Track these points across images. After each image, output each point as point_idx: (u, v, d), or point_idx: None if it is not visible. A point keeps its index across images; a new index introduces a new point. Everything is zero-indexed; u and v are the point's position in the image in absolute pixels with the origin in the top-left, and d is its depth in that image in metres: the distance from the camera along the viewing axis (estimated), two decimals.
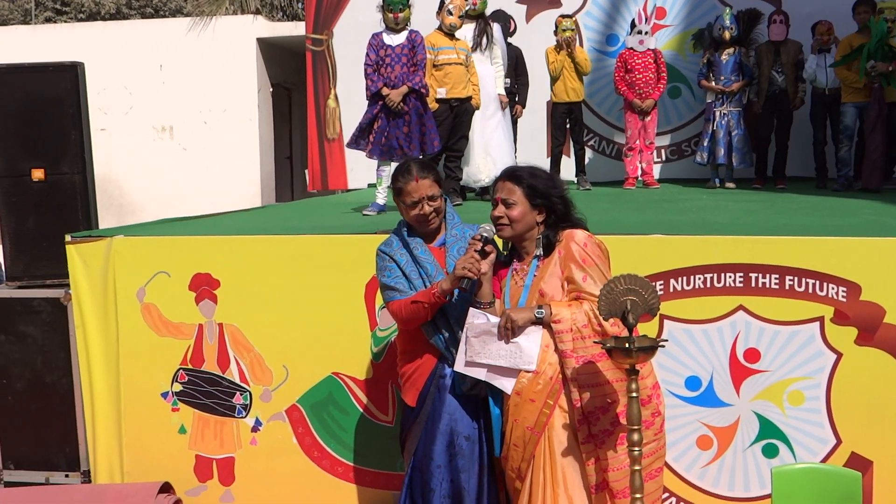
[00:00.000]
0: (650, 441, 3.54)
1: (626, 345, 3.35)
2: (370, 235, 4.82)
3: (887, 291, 4.42)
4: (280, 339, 4.95)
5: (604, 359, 3.51)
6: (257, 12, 14.47)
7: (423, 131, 6.45)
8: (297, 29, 13.31)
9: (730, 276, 4.52)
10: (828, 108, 8.62)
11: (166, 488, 4.86)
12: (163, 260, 5.06)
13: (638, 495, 3.39)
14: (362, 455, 4.92)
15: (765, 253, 4.50)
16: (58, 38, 13.97)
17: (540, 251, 3.67)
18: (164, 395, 5.09)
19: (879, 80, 7.91)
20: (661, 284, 4.50)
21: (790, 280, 4.48)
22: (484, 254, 3.62)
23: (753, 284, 4.50)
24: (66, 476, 5.41)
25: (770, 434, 4.56)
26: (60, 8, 21.18)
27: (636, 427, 3.38)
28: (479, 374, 3.64)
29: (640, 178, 8.99)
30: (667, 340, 3.84)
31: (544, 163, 8.60)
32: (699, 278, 4.55)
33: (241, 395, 5.01)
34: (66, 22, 18.35)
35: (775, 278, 4.49)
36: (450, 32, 7.08)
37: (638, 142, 8.83)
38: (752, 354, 4.54)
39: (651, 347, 3.40)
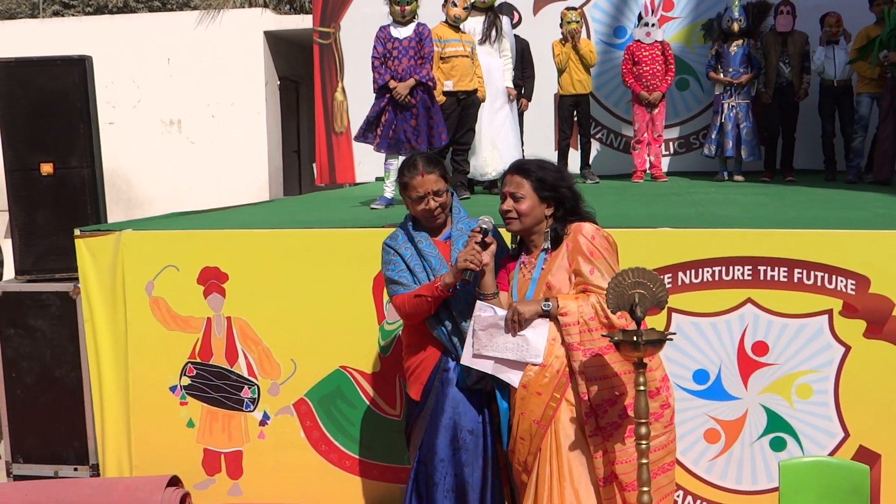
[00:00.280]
0: (660, 434, 3.54)
1: (634, 338, 3.35)
2: (378, 229, 4.81)
3: None
4: (288, 332, 4.96)
5: (611, 351, 3.50)
6: (265, 5, 14.45)
7: (430, 124, 6.43)
8: (304, 22, 13.29)
9: (738, 269, 4.51)
10: (836, 100, 8.60)
11: (174, 482, 4.87)
12: (171, 254, 5.07)
13: (645, 489, 3.38)
14: (370, 449, 4.93)
15: (773, 246, 4.49)
16: (65, 32, 13.97)
17: (548, 244, 3.66)
18: (173, 388, 5.10)
19: (892, 71, 7.88)
20: (669, 277, 4.50)
21: (799, 273, 4.46)
22: (484, 245, 3.62)
23: (762, 277, 4.49)
24: (75, 469, 5.44)
25: (778, 427, 4.55)
26: (68, 1, 21.19)
27: (644, 420, 3.38)
28: (486, 367, 3.64)
29: (648, 171, 8.97)
30: (675, 333, 3.84)
31: (551, 156, 8.60)
32: (707, 271, 4.55)
33: (250, 388, 5.02)
34: (73, 15, 18.37)
35: (784, 271, 4.48)
36: (455, 24, 7.07)
37: (646, 134, 8.81)
38: (761, 347, 4.53)
39: (659, 341, 3.40)
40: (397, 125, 6.39)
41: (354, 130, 7.18)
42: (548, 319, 3.57)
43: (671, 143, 9.99)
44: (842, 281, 4.43)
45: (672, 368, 4.36)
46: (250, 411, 5.03)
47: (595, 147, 9.61)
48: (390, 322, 4.81)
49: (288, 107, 14.89)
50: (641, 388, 3.38)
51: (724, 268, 4.52)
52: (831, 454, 4.48)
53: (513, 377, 3.61)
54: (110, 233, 5.17)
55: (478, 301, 3.66)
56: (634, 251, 4.19)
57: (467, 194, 7.19)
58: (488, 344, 3.61)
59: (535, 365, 3.56)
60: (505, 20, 7.76)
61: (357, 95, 10.09)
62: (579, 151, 8.92)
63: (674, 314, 4.54)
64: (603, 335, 3.49)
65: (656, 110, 8.75)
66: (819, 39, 8.66)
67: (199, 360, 5.06)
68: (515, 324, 3.56)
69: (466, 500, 3.77)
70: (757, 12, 8.94)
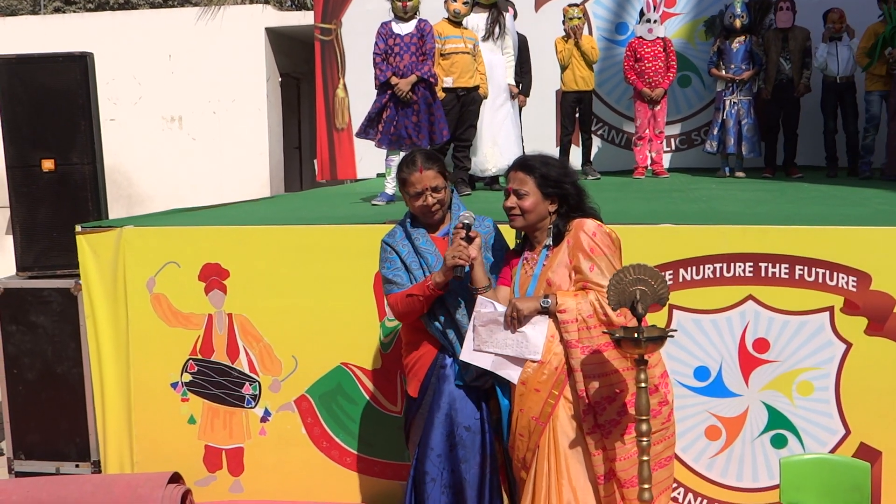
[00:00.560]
0: (657, 430, 3.53)
1: (636, 335, 3.34)
2: (379, 225, 4.81)
3: None
4: (289, 329, 4.96)
5: (609, 349, 3.50)
6: (266, 2, 14.42)
7: (431, 121, 6.43)
8: (305, 18, 13.28)
9: (739, 266, 4.51)
10: (839, 97, 8.58)
11: (176, 478, 4.87)
12: (172, 250, 5.07)
13: (646, 485, 3.38)
14: (371, 445, 4.93)
15: (774, 242, 4.49)
16: (67, 28, 13.96)
17: (549, 240, 3.66)
18: (174, 385, 5.10)
19: None
20: (670, 274, 4.49)
21: (800, 270, 4.46)
22: (469, 239, 3.63)
23: (763, 274, 4.49)
24: (77, 466, 5.45)
25: (779, 424, 4.55)
26: None
27: (645, 417, 3.38)
28: (485, 363, 3.64)
29: (649, 168, 8.97)
30: (676, 330, 3.84)
31: (553, 152, 8.58)
32: (709, 268, 4.54)
33: (251, 385, 5.02)
34: (74, 12, 18.33)
35: (785, 268, 4.48)
36: (455, 20, 7.06)
37: (647, 131, 8.81)
38: (762, 344, 4.53)
39: (660, 337, 3.39)
40: (398, 121, 6.38)
41: (356, 127, 7.19)
42: (547, 316, 3.56)
43: (672, 140, 9.99)
44: (843, 278, 4.43)
45: (673, 365, 4.37)
46: (251, 408, 5.03)
47: (596, 143, 9.61)
48: (391, 319, 4.80)
49: (289, 103, 14.88)
50: (643, 384, 3.37)
51: (725, 264, 4.52)
52: (832, 451, 4.48)
53: (512, 373, 3.61)
54: (111, 229, 5.17)
55: (478, 297, 3.66)
56: (635, 248, 4.18)
57: (468, 191, 7.19)
58: (488, 340, 3.61)
59: (534, 362, 3.56)
60: (508, 17, 7.75)
61: (358, 92, 10.09)
62: (581, 148, 8.91)
63: (675, 311, 4.54)
64: (604, 332, 3.48)
65: (658, 107, 8.75)
66: (822, 36, 8.64)
67: (200, 356, 5.06)
68: (514, 320, 3.56)
69: (464, 497, 3.78)
70: (759, 9, 8.93)
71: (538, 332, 3.56)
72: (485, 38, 7.43)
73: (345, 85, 10.57)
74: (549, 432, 3.56)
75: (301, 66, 14.50)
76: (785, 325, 4.50)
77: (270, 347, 4.98)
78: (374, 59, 6.46)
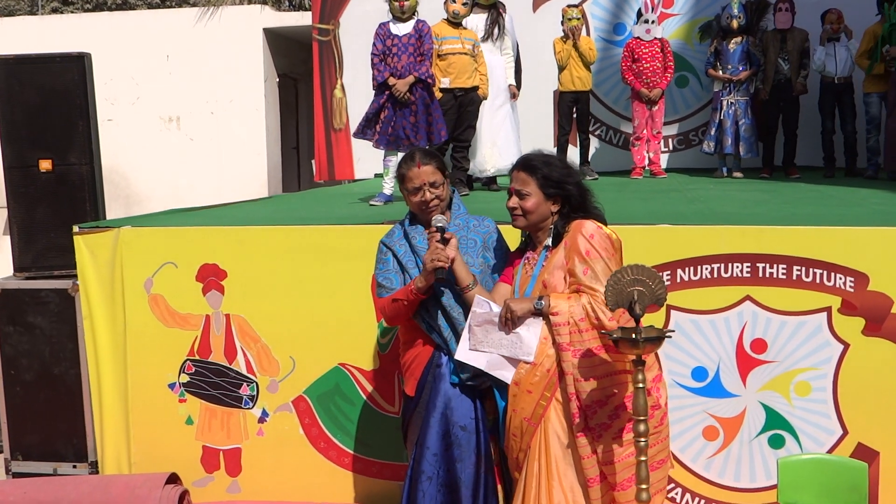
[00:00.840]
0: (650, 433, 3.52)
1: (633, 335, 3.34)
2: (377, 226, 4.81)
3: (895, 281, 4.40)
4: (287, 329, 4.96)
5: (601, 352, 3.49)
6: (264, 2, 14.42)
7: (429, 121, 6.43)
8: (303, 19, 13.27)
9: (737, 266, 4.51)
10: (838, 98, 8.59)
11: (173, 479, 4.87)
12: (170, 250, 5.07)
13: (644, 486, 3.38)
14: (369, 446, 4.93)
15: (772, 243, 4.49)
16: (64, 29, 13.95)
17: (549, 241, 3.66)
18: (172, 386, 5.10)
19: (894, 65, 7.89)
20: (668, 275, 4.49)
21: (797, 270, 4.46)
22: (445, 241, 3.66)
23: (761, 274, 4.49)
24: (74, 467, 5.44)
25: (776, 425, 4.55)
26: None
27: (643, 418, 3.37)
28: (481, 362, 3.65)
29: (647, 168, 8.97)
30: (673, 331, 3.83)
31: (551, 152, 8.57)
32: (706, 268, 4.54)
33: (248, 385, 5.02)
34: (72, 12, 18.32)
35: (782, 268, 4.48)
36: (454, 20, 7.06)
37: (645, 131, 8.82)
38: (759, 345, 4.53)
39: (658, 338, 3.39)
40: (396, 122, 6.38)
41: (353, 127, 7.18)
42: (541, 318, 3.56)
43: (670, 140, 9.99)
44: (840, 278, 4.43)
45: (671, 366, 4.37)
46: (249, 408, 5.03)
47: (594, 144, 9.60)
48: None
49: (287, 104, 14.88)
50: (640, 385, 3.37)
51: (722, 265, 4.52)
52: (830, 451, 4.48)
53: (506, 374, 3.61)
54: (109, 230, 5.16)
55: (475, 297, 3.66)
56: (633, 248, 4.17)
57: (466, 191, 7.19)
58: (483, 340, 3.62)
59: (527, 363, 3.56)
60: (508, 18, 7.75)
61: (356, 92, 10.10)
62: (578, 148, 8.92)
63: (672, 311, 4.54)
64: (602, 333, 3.48)
65: (655, 107, 8.76)
66: (820, 37, 8.65)
67: (197, 357, 5.06)
68: (509, 321, 3.56)
69: (459, 496, 3.78)
70: (756, 9, 8.94)
71: (532, 333, 3.56)
72: (484, 39, 7.43)
73: (342, 85, 10.57)
74: (541, 434, 3.56)
75: (299, 66, 14.50)
76: (782, 326, 4.50)
77: (268, 348, 4.98)
78: (372, 60, 6.46)
